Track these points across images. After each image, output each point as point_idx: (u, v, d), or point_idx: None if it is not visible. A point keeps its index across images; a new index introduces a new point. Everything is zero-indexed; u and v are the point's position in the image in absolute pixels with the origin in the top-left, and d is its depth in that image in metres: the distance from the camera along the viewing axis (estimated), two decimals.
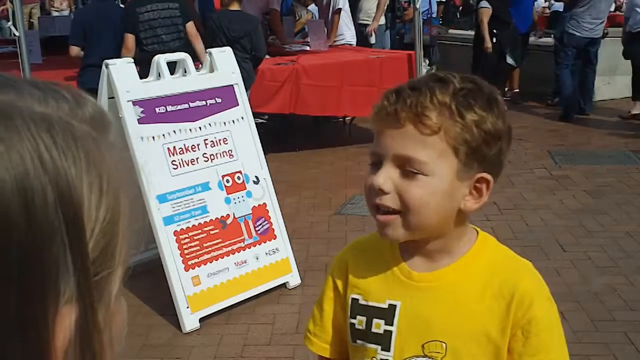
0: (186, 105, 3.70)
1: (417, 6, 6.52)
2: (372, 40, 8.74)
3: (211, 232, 3.66)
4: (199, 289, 3.56)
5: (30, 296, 0.42)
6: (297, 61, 6.62)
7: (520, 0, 8.98)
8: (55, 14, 12.79)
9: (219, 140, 3.79)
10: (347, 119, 7.59)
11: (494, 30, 8.65)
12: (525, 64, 9.13)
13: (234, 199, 3.79)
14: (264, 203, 3.91)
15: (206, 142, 3.74)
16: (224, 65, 3.91)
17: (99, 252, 0.46)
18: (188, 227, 3.58)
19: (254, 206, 3.86)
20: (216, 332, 3.50)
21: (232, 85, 3.91)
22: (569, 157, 6.53)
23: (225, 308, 3.65)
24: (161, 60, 3.69)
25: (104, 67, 3.59)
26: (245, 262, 3.76)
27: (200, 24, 6.25)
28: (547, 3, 13.16)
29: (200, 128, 3.73)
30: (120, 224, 0.47)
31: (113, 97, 3.54)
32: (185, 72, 3.79)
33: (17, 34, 4.83)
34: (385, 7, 9.08)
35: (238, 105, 3.91)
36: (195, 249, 3.59)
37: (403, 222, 1.10)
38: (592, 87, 8.31)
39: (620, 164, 6.21)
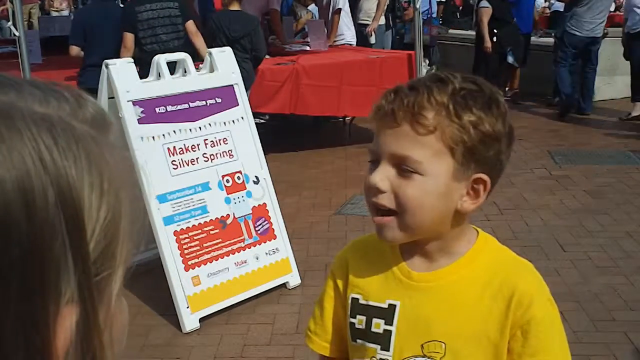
0: (186, 105, 3.70)
1: (417, 6, 6.52)
2: (372, 40, 8.74)
3: (211, 232, 3.66)
4: (199, 289, 3.56)
5: (31, 296, 0.42)
6: (297, 61, 6.62)
7: (521, 0, 8.99)
8: (54, 14, 12.78)
9: (219, 140, 3.79)
10: (347, 119, 7.59)
11: (494, 30, 8.65)
12: (528, 65, 9.13)
13: (234, 199, 3.79)
14: (264, 203, 3.91)
15: (206, 142, 3.74)
16: (224, 65, 3.91)
17: (99, 253, 0.46)
18: (188, 227, 3.59)
19: (254, 206, 3.86)
20: (216, 332, 3.50)
21: (232, 85, 3.92)
22: (569, 157, 6.53)
23: (225, 308, 3.65)
24: (161, 60, 3.69)
25: (104, 67, 3.59)
26: (245, 262, 3.76)
27: (200, 24, 6.24)
28: (547, 3, 13.17)
29: (200, 128, 3.74)
30: (121, 224, 0.47)
31: (113, 97, 3.54)
32: (185, 72, 3.79)
33: (17, 34, 4.82)
34: (385, 7, 9.08)
35: (238, 105, 3.92)
36: (195, 249, 3.59)
37: (399, 224, 1.10)
38: (592, 87, 8.31)
39: (620, 164, 6.22)
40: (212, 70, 3.89)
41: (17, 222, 0.41)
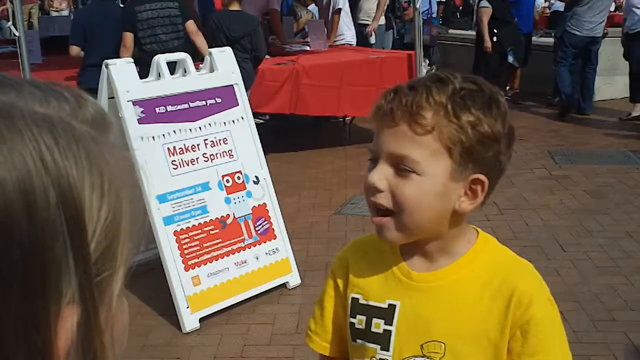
0: (186, 105, 3.70)
1: (417, 6, 6.52)
2: (372, 40, 8.74)
3: (211, 232, 3.66)
4: (199, 289, 3.56)
5: (32, 297, 0.42)
6: (297, 61, 6.62)
7: (521, 0, 8.99)
8: (54, 14, 12.78)
9: (219, 140, 3.79)
10: (347, 119, 7.59)
11: (495, 30, 8.65)
12: (526, 66, 9.13)
13: (234, 199, 3.79)
14: (264, 203, 3.91)
15: (206, 142, 3.74)
16: (224, 65, 3.91)
17: (100, 253, 0.46)
18: (188, 227, 3.59)
19: (254, 206, 3.86)
20: (216, 332, 3.50)
21: (232, 85, 3.92)
22: (569, 157, 6.53)
23: (225, 308, 3.65)
24: (161, 60, 3.69)
25: (104, 67, 3.59)
26: (245, 262, 3.76)
27: (200, 24, 6.25)
28: (547, 3, 13.18)
29: (200, 128, 3.74)
30: (122, 224, 0.47)
31: (113, 97, 3.54)
32: (185, 72, 3.79)
33: (17, 34, 4.82)
34: (385, 7, 9.08)
35: (238, 105, 3.92)
36: (195, 249, 3.59)
37: (397, 224, 1.10)
38: (592, 87, 8.31)
39: (620, 164, 6.22)
40: (212, 70, 3.89)
41: (18, 223, 0.41)
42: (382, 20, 9.05)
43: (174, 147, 3.61)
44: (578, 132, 7.54)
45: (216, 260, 3.65)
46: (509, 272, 1.15)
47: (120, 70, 3.55)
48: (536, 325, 1.10)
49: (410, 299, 1.17)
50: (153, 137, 3.55)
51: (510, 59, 8.77)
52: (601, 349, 3.21)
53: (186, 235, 3.57)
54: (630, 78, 7.93)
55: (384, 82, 6.35)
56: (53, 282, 0.43)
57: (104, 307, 0.47)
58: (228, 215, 3.75)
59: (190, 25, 5.69)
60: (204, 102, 3.77)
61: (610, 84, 8.90)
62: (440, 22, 12.02)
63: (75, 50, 5.68)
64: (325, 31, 7.85)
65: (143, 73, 3.79)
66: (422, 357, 1.15)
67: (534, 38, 9.63)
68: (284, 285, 3.92)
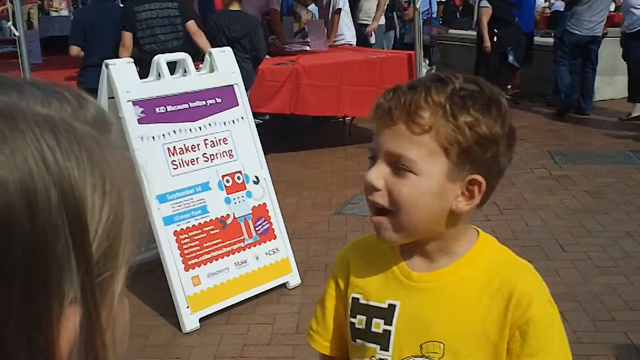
0: (186, 105, 3.70)
1: (417, 6, 6.52)
2: (372, 40, 8.74)
3: (211, 232, 3.66)
4: (199, 289, 3.56)
5: (34, 297, 0.42)
6: (297, 61, 6.62)
7: (522, 0, 8.99)
8: (53, 14, 12.78)
9: (219, 140, 3.80)
10: (347, 119, 7.59)
11: (495, 30, 8.65)
12: (530, 66, 9.12)
13: (234, 199, 3.79)
14: (264, 203, 3.91)
15: (206, 142, 3.74)
16: (224, 65, 3.91)
17: (102, 253, 0.46)
18: (188, 227, 3.59)
19: (254, 206, 3.86)
20: (216, 332, 3.50)
21: (232, 85, 3.92)
22: (569, 157, 6.53)
23: (225, 308, 3.65)
24: (161, 60, 3.69)
25: (103, 67, 3.59)
26: (245, 262, 3.76)
27: (200, 24, 6.25)
28: (547, 3, 13.19)
29: (200, 128, 3.74)
30: (123, 224, 0.48)
31: (113, 97, 3.54)
32: (185, 72, 3.79)
33: (17, 34, 4.82)
34: (385, 7, 9.08)
35: (238, 105, 3.92)
36: (195, 249, 3.59)
37: (394, 223, 1.10)
38: (592, 87, 8.32)
39: (620, 164, 6.22)
40: (212, 70, 3.89)
41: (19, 223, 0.41)
42: (382, 20, 9.05)
43: (174, 147, 3.62)
44: (578, 132, 7.54)
45: (216, 260, 3.65)
46: (509, 273, 1.15)
47: (120, 70, 3.55)
48: (535, 326, 1.10)
49: (410, 299, 1.17)
50: (153, 137, 3.55)
51: (511, 58, 8.78)
52: (601, 349, 3.21)
53: (186, 235, 3.57)
54: (629, 78, 7.94)
55: (384, 82, 6.35)
56: (55, 282, 0.43)
57: (106, 307, 0.47)
58: (228, 215, 3.75)
59: (192, 25, 5.69)
60: (204, 102, 3.77)
61: (610, 84, 8.90)
62: (440, 22, 12.02)
63: (75, 50, 5.68)
64: (325, 31, 7.85)
65: (143, 73, 3.79)
66: (421, 357, 1.15)
67: (535, 38, 9.62)
68: (284, 285, 3.92)
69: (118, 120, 3.44)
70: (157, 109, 3.59)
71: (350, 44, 8.11)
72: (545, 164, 6.31)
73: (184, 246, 3.56)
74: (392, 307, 1.18)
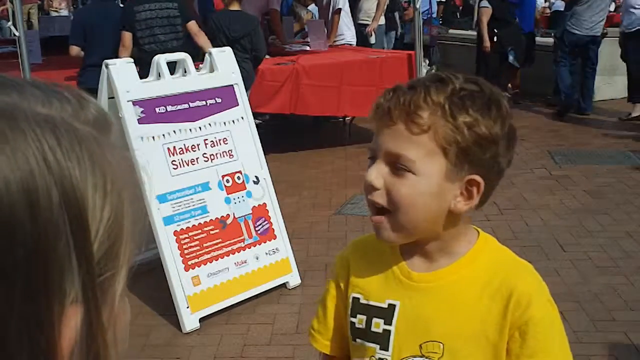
0: (186, 105, 3.70)
1: (417, 6, 6.52)
2: (372, 40, 8.74)
3: (211, 232, 3.66)
4: (199, 289, 3.56)
5: (35, 296, 0.42)
6: (297, 61, 6.62)
7: (523, 0, 8.99)
8: (53, 14, 12.78)
9: (219, 140, 3.80)
10: (347, 119, 7.59)
11: (495, 30, 8.65)
12: (531, 65, 9.11)
13: (234, 199, 3.79)
14: (264, 203, 3.91)
15: (206, 142, 3.75)
16: (224, 65, 3.92)
17: (103, 253, 0.46)
18: (188, 227, 3.59)
19: (254, 206, 3.86)
20: (216, 332, 3.50)
21: (232, 85, 3.92)
22: (569, 157, 6.53)
23: (225, 308, 3.65)
24: (161, 60, 3.69)
25: (103, 67, 3.59)
26: (245, 262, 3.76)
27: (201, 24, 6.25)
28: (547, 3, 13.19)
29: (200, 128, 3.74)
30: (124, 224, 0.48)
31: (113, 97, 3.54)
32: (185, 72, 3.79)
33: (17, 34, 4.83)
34: (385, 7, 9.08)
35: (238, 105, 3.92)
36: (195, 249, 3.59)
37: (392, 223, 1.10)
38: (592, 87, 8.32)
39: (620, 164, 6.22)
40: (212, 70, 3.89)
41: (21, 223, 0.41)
42: (382, 20, 9.05)
43: (174, 147, 3.62)
44: (578, 132, 7.54)
45: (216, 260, 3.65)
46: (509, 273, 1.15)
47: (120, 70, 3.55)
48: (535, 326, 1.10)
49: (410, 299, 1.17)
50: (153, 137, 3.55)
51: (511, 58, 8.78)
52: (601, 349, 3.21)
53: (186, 235, 3.57)
54: (628, 78, 7.93)
55: (384, 82, 6.35)
56: (56, 282, 0.43)
57: (107, 307, 0.47)
58: (228, 215, 3.75)
59: (192, 25, 5.69)
60: (204, 102, 3.77)
61: (610, 84, 8.90)
62: (440, 22, 12.02)
63: (75, 50, 5.68)
64: (325, 31, 7.85)
65: (143, 73, 3.79)
66: (420, 357, 1.15)
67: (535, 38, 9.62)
68: (284, 285, 3.92)
69: (118, 120, 3.44)
70: (157, 109, 3.59)
71: (350, 44, 8.12)
72: (545, 164, 6.31)
73: (184, 246, 3.56)
74: (392, 307, 1.18)
